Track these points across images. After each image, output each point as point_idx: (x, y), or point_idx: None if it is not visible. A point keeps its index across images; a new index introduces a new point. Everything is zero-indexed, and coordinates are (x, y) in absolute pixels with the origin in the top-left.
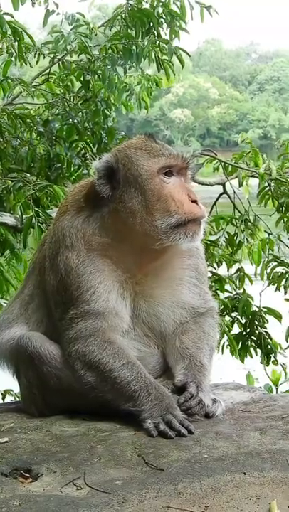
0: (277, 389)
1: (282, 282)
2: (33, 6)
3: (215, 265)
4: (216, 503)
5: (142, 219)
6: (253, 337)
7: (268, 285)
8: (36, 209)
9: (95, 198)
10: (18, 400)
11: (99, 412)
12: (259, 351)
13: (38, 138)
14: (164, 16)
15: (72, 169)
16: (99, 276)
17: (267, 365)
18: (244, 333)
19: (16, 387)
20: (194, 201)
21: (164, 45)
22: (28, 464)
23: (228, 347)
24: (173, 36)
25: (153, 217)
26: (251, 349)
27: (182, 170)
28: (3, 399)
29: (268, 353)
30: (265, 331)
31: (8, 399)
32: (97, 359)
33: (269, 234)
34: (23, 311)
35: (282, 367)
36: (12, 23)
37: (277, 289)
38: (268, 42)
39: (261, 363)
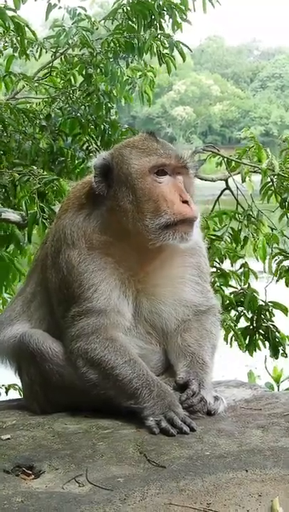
0: (278, 386)
1: None
2: (35, 0)
3: (218, 260)
4: (218, 500)
5: (134, 218)
6: (260, 330)
7: (277, 280)
8: (41, 204)
9: (95, 196)
10: (21, 394)
11: (101, 410)
12: (267, 344)
13: (41, 132)
14: (165, 8)
15: (76, 162)
16: (101, 274)
17: (276, 359)
18: (251, 327)
19: (19, 382)
20: (185, 201)
21: (166, 38)
22: (30, 461)
23: (236, 341)
24: (175, 27)
25: (144, 216)
26: (259, 342)
27: (179, 169)
28: (6, 393)
29: (276, 346)
30: (272, 325)
31: (12, 393)
32: (99, 356)
33: (272, 229)
34: (26, 308)
35: None
36: (15, 18)
37: (287, 284)
38: (270, 39)
39: (271, 356)
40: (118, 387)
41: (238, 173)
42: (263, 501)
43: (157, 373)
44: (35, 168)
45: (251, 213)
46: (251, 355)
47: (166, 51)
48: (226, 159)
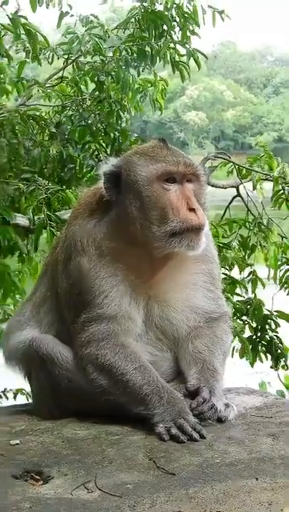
0: None
1: None
2: (47, 8)
3: (227, 268)
4: (227, 508)
5: (141, 225)
6: (263, 341)
7: (280, 288)
8: (48, 212)
9: (106, 202)
10: (29, 399)
11: (110, 415)
12: (269, 356)
13: (50, 139)
14: (176, 19)
15: (84, 170)
16: (111, 281)
17: (276, 370)
18: (254, 337)
19: (27, 387)
20: (192, 209)
21: (180, 46)
22: (39, 467)
23: (238, 351)
24: (185, 40)
25: (150, 224)
26: (262, 354)
27: (188, 176)
28: (14, 398)
29: (278, 357)
30: (276, 335)
31: (20, 398)
32: (110, 362)
33: (283, 237)
34: (35, 313)
35: None
36: (26, 25)
37: None
38: (284, 44)
39: (271, 367)
40: (128, 393)
41: (250, 180)
42: (273, 510)
43: (168, 380)
44: (40, 179)
45: (261, 221)
46: (252, 365)
47: (180, 59)
48: (237, 166)
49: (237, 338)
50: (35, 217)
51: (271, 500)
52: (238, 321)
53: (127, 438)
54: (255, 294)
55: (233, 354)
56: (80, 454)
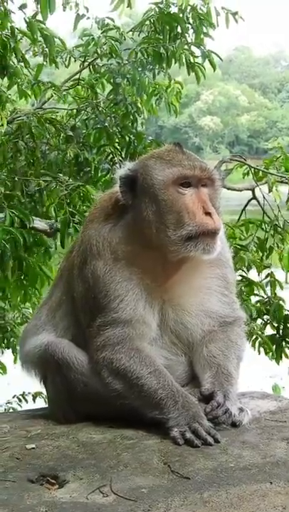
0: None
1: None
2: (63, 10)
3: (245, 269)
4: None
5: (157, 229)
6: (287, 339)
7: None
8: (70, 209)
9: (122, 206)
10: (47, 402)
11: (125, 420)
12: None
13: (66, 143)
14: (191, 21)
15: (99, 174)
16: (126, 285)
17: None
18: (277, 335)
19: (45, 391)
20: (208, 213)
21: (195, 48)
22: (55, 471)
23: (264, 348)
24: (198, 41)
25: (166, 228)
26: (287, 350)
27: (203, 181)
28: (34, 400)
29: None
30: None
31: (38, 401)
32: (125, 366)
33: None
34: (51, 317)
35: None
36: (43, 30)
37: None
38: None
39: None
40: (143, 397)
41: (265, 183)
42: None
43: (182, 384)
44: (61, 175)
45: (277, 223)
46: (278, 363)
47: (196, 60)
48: (252, 169)
49: (260, 338)
50: (57, 217)
51: (285, 505)
52: (259, 320)
53: (141, 442)
54: (275, 294)
55: (259, 352)
56: (95, 458)
